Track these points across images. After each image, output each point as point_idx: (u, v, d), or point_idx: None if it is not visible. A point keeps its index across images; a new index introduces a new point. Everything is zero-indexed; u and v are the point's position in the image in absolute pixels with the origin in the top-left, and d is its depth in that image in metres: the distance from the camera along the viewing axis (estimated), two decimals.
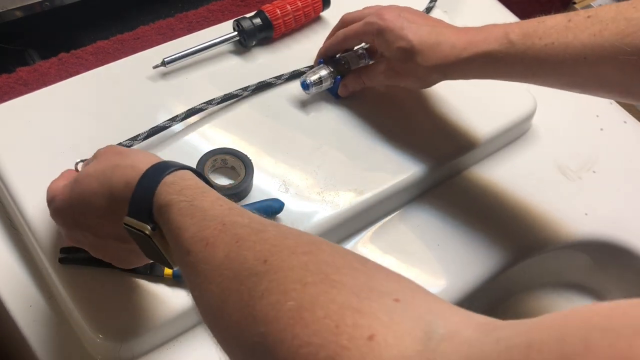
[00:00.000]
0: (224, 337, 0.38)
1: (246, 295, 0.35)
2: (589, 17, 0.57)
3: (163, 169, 0.45)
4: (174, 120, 0.66)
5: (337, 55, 0.72)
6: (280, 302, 0.33)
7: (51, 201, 0.53)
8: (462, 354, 0.27)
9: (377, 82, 0.70)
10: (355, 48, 0.72)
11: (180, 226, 0.42)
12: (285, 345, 0.32)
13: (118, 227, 0.46)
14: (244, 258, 0.37)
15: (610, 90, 0.61)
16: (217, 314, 0.38)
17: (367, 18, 0.67)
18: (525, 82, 0.64)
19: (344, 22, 0.71)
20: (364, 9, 0.71)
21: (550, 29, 0.58)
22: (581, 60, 0.57)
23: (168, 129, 0.66)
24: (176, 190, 0.44)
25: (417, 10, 0.68)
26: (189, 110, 0.68)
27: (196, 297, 0.41)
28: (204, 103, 0.69)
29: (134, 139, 0.64)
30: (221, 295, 0.37)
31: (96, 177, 0.48)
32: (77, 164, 0.59)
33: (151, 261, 0.50)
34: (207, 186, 0.45)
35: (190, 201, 0.43)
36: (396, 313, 0.31)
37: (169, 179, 0.45)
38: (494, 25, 0.62)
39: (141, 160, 0.47)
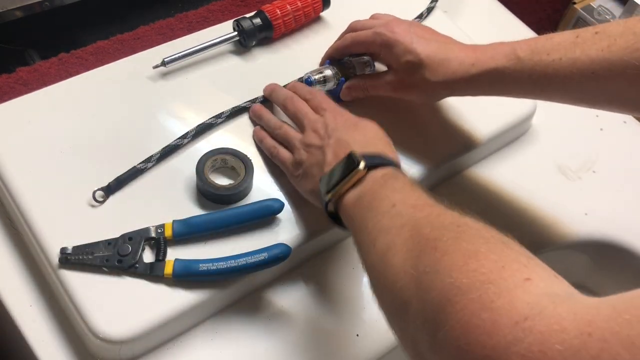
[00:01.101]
0: (392, 262, 0.45)
1: (427, 233, 0.45)
2: (596, 33, 0.57)
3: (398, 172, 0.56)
4: (184, 137, 0.66)
5: (344, 59, 0.72)
6: (459, 240, 0.42)
7: (323, 115, 0.63)
8: (594, 305, 0.34)
9: (382, 92, 0.69)
10: (361, 55, 0.71)
11: (395, 190, 0.52)
12: (456, 268, 0.40)
13: (341, 153, 0.57)
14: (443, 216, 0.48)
15: (619, 105, 0.60)
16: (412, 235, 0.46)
17: (377, 28, 0.67)
18: (534, 98, 0.63)
19: (352, 30, 0.71)
20: (372, 16, 0.71)
21: (558, 45, 0.58)
22: (589, 76, 0.56)
23: (175, 141, 0.66)
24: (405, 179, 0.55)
25: (426, 26, 0.68)
26: (198, 125, 0.67)
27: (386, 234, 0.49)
28: (213, 117, 0.68)
29: (147, 160, 0.63)
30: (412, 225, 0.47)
31: (368, 129, 0.61)
32: (95, 192, 0.60)
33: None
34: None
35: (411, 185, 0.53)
36: (551, 276, 0.39)
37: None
38: (502, 43, 0.62)
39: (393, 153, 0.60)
